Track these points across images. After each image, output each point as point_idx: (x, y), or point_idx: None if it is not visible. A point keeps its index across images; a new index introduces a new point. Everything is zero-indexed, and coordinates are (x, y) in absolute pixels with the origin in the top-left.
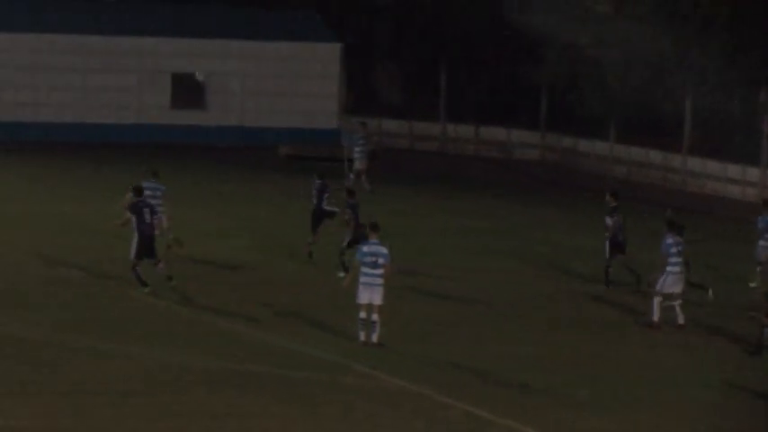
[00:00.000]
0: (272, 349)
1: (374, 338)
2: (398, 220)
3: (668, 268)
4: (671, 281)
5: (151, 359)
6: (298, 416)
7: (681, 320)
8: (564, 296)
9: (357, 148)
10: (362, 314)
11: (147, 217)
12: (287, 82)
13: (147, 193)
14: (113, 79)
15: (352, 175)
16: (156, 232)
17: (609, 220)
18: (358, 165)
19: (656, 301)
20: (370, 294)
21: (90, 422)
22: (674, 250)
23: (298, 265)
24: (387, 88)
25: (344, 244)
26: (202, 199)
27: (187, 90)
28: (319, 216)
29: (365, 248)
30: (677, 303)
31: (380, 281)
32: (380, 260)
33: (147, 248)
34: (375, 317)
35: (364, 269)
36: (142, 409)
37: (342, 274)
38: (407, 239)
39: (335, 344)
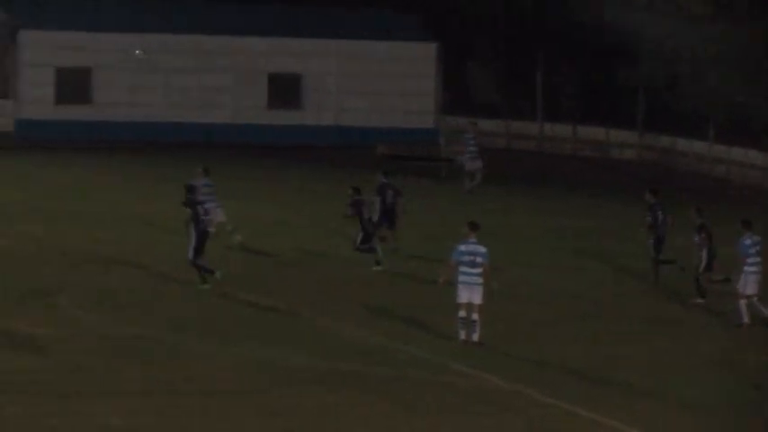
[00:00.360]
0: (368, 347)
1: (475, 338)
2: (493, 220)
3: (746, 268)
4: (751, 281)
5: (251, 358)
6: (396, 414)
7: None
8: (661, 296)
9: (469, 148)
10: (462, 313)
11: (202, 214)
12: (383, 81)
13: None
14: (210, 79)
15: (467, 179)
16: (211, 229)
17: (650, 218)
18: (470, 165)
19: (742, 303)
20: (470, 294)
21: (197, 420)
22: (752, 251)
23: (391, 263)
24: (482, 87)
25: (358, 242)
26: (298, 198)
27: (284, 90)
28: (390, 214)
29: (463, 248)
30: (756, 299)
31: (479, 280)
32: (479, 259)
33: (203, 245)
34: (476, 316)
35: (463, 268)
36: (248, 408)
37: (378, 267)
38: (502, 239)
39: (431, 342)
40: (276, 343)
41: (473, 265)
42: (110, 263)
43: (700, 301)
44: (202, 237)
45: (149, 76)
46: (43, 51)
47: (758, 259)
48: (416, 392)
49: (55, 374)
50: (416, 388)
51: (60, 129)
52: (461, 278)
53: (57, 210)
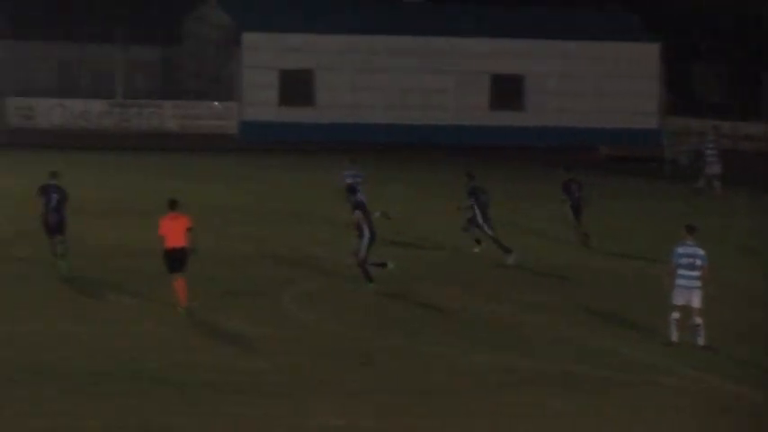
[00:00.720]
0: (592, 350)
1: (700, 341)
2: (712, 221)
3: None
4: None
5: (467, 359)
6: (623, 418)
7: None
8: None
9: (708, 152)
10: (675, 315)
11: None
12: (605, 82)
13: (347, 180)
14: (432, 80)
15: (701, 181)
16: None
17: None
18: (711, 169)
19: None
20: (688, 296)
21: (419, 421)
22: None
23: (605, 263)
24: (707, 88)
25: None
26: (521, 197)
27: (506, 91)
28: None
29: (680, 250)
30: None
31: (698, 283)
32: (698, 262)
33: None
34: (698, 320)
35: (681, 271)
36: (467, 408)
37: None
38: (723, 241)
39: (654, 345)
40: (487, 344)
41: (692, 267)
42: (326, 264)
43: None
44: (374, 237)
45: (372, 78)
46: (266, 54)
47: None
48: (644, 396)
49: (275, 375)
50: (644, 392)
51: (283, 130)
52: (679, 281)
53: (279, 210)
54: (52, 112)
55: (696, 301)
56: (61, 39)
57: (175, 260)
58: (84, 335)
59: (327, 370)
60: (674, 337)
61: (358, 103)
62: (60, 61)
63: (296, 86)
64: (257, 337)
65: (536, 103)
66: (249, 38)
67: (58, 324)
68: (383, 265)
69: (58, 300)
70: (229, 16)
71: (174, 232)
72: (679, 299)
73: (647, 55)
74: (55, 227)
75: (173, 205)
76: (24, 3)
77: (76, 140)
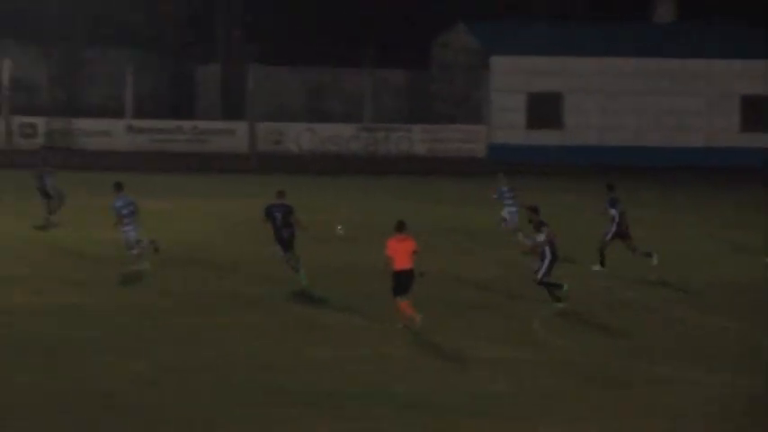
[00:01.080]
0: None
1: None
2: None
3: None
4: None
5: (733, 385)
6: None
7: None
8: None
9: None
10: None
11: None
12: None
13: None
14: (682, 102)
15: None
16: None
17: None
18: None
19: None
20: None
21: None
22: None
23: None
24: None
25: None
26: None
27: (758, 112)
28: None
29: None
30: None
31: None
32: None
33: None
34: None
35: None
36: None
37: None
38: None
39: None
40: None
41: None
42: (575, 289)
43: None
44: (556, 257)
45: (620, 100)
46: (514, 77)
47: None
48: None
49: (524, 398)
50: None
51: (531, 153)
52: None
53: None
54: (301, 136)
55: None
56: (310, 63)
57: (401, 283)
58: (329, 359)
59: (578, 395)
60: None
61: (607, 126)
62: (309, 86)
63: (544, 109)
64: (505, 360)
65: None
66: (497, 61)
67: (304, 349)
68: (559, 287)
69: (297, 324)
70: (477, 40)
71: (400, 254)
72: None
73: None
74: (285, 242)
75: (400, 227)
76: (274, 28)
77: (325, 164)
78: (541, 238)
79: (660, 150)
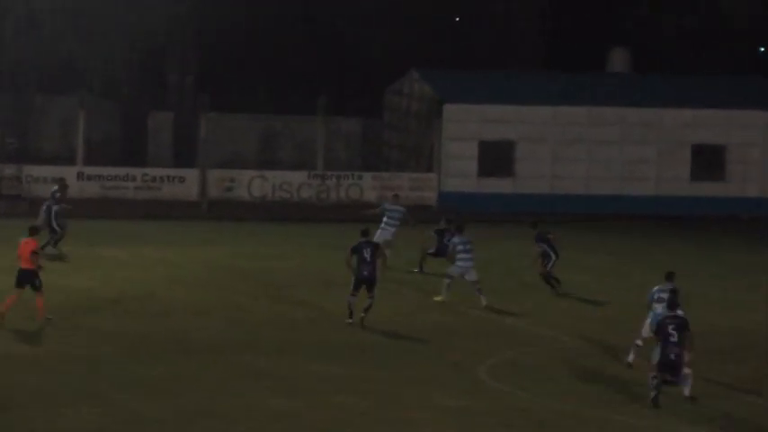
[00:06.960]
0: None
1: None
2: None
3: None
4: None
5: None
6: None
7: None
8: None
9: None
10: None
11: None
12: None
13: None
14: (633, 151)
15: None
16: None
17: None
18: None
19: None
20: None
21: None
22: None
23: None
24: None
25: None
26: (727, 270)
27: (707, 161)
28: None
29: None
30: None
31: None
32: None
33: None
34: None
35: None
36: None
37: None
38: None
39: None
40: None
41: None
42: (525, 335)
43: None
44: None
45: (572, 149)
46: (467, 125)
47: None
48: None
49: None
50: None
51: (482, 202)
52: None
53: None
54: (253, 183)
55: None
56: (263, 111)
57: None
58: (283, 408)
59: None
60: None
61: (558, 175)
62: (262, 133)
63: (496, 157)
64: (459, 409)
65: (738, 174)
66: (450, 109)
67: (245, 397)
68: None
69: (243, 371)
70: (431, 88)
71: None
72: None
73: None
74: (367, 280)
75: None
76: (227, 75)
77: (276, 211)
78: None
79: (611, 198)
